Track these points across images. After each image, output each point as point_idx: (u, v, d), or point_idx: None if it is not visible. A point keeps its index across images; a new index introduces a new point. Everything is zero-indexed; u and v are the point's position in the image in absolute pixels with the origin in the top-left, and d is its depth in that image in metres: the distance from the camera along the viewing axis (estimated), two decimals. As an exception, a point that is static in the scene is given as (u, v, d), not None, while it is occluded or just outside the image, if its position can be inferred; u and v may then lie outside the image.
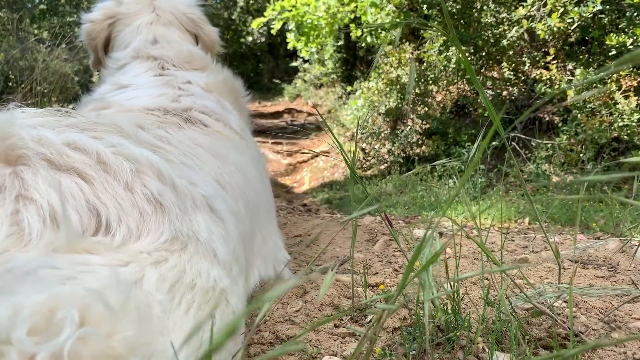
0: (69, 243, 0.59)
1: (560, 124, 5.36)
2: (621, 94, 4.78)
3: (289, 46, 8.85)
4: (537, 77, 5.42)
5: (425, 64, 6.46)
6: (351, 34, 8.07)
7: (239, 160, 1.25)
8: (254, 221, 1.21)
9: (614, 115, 4.74)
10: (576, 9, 4.86)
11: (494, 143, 5.38)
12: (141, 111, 1.25)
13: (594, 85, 4.91)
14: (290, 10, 8.14)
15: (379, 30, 7.23)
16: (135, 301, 0.54)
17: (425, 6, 6.20)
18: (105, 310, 0.49)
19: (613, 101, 4.80)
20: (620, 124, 4.68)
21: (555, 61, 5.37)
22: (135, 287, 0.58)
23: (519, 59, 5.84)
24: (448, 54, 6.16)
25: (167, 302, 0.60)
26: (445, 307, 0.96)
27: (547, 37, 5.28)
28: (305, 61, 12.18)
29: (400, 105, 6.55)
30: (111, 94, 1.52)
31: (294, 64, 13.06)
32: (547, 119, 5.69)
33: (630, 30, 4.56)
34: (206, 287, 0.67)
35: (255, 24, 8.54)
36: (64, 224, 0.61)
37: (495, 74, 6.18)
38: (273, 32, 8.39)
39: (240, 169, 1.20)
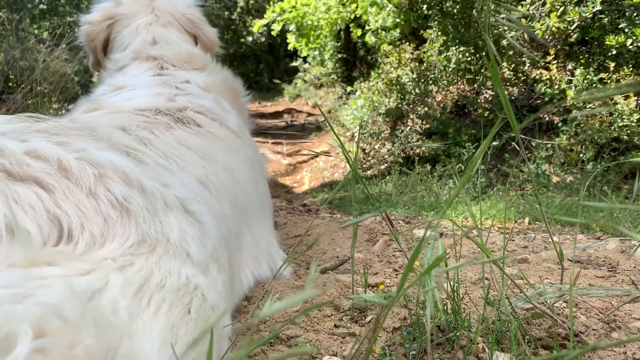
0: (27, 257, 0.57)
1: (560, 124, 5.37)
2: (621, 94, 4.78)
3: (290, 47, 8.86)
4: (537, 77, 5.42)
5: (425, 64, 6.46)
6: (352, 34, 8.08)
7: (229, 161, 1.23)
8: (243, 221, 1.20)
9: (614, 116, 4.75)
10: (576, 8, 4.86)
11: (494, 143, 5.39)
12: (131, 112, 1.23)
13: (594, 86, 4.90)
14: (290, 12, 8.15)
15: (379, 30, 7.23)
16: (93, 310, 0.53)
17: (425, 6, 6.20)
18: (63, 322, 0.49)
19: (613, 101, 4.80)
20: (620, 124, 4.68)
21: (555, 61, 5.38)
22: (96, 296, 0.57)
23: (519, 59, 5.85)
24: (448, 54, 6.16)
25: (135, 306, 0.60)
26: (445, 307, 0.96)
27: (546, 37, 5.28)
28: (305, 61, 12.19)
29: (400, 106, 6.55)
30: (108, 95, 1.52)
31: (294, 64, 13.07)
32: (547, 119, 5.69)
33: (630, 30, 4.57)
34: (177, 286, 0.66)
35: (256, 27, 8.57)
36: (20, 237, 0.59)
37: (495, 74, 6.18)
38: (273, 33, 8.41)
39: (229, 169, 1.18)
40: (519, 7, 5.32)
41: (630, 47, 4.61)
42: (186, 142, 1.13)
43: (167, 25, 1.84)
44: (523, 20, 5.29)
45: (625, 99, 4.71)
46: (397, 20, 6.99)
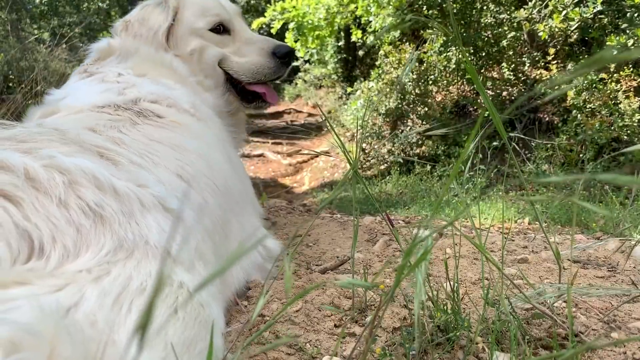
0: None
1: (560, 124, 5.37)
2: (622, 93, 4.78)
3: (287, 45, 8.85)
4: (537, 77, 5.42)
5: (425, 65, 6.46)
6: (352, 35, 8.07)
7: (199, 147, 1.21)
8: (227, 207, 1.18)
9: (614, 116, 4.74)
10: (577, 9, 4.86)
11: (494, 143, 5.39)
12: (92, 110, 1.21)
13: (594, 86, 4.90)
14: (291, 11, 8.15)
15: (379, 30, 7.22)
16: (68, 326, 0.52)
17: (425, 7, 6.20)
18: (36, 339, 0.47)
19: (613, 102, 4.79)
20: (620, 124, 4.68)
21: (555, 61, 5.38)
22: (71, 311, 0.55)
23: (518, 60, 5.84)
24: (448, 54, 6.16)
25: (115, 315, 0.58)
26: (445, 307, 0.96)
27: (547, 37, 5.28)
28: (305, 61, 12.19)
29: (400, 106, 6.55)
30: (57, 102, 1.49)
31: (294, 64, 13.07)
32: (547, 119, 5.69)
33: (631, 31, 4.56)
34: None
35: (256, 24, 8.54)
36: None
37: (495, 75, 6.18)
38: (273, 31, 8.39)
39: (202, 155, 1.16)
40: (521, 10, 5.32)
41: (631, 47, 4.61)
42: (154, 137, 1.10)
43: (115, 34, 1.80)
44: (526, 24, 5.28)
45: (625, 99, 4.70)
46: (398, 19, 6.98)
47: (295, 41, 8.52)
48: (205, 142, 1.29)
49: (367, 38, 7.56)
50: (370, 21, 7.12)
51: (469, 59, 6.06)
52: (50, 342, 0.49)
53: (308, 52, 9.29)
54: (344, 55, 10.88)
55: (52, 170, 0.69)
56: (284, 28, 8.52)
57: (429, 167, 5.78)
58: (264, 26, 8.93)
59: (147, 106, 1.29)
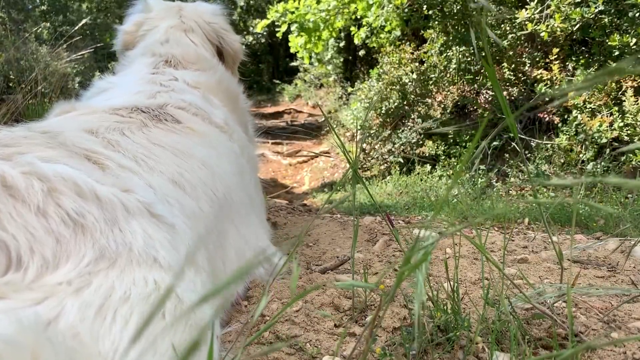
0: None
1: (560, 124, 5.36)
2: (622, 94, 4.77)
3: (291, 50, 8.84)
4: (538, 77, 5.41)
5: (425, 65, 6.45)
6: (354, 37, 8.06)
7: (208, 155, 1.19)
8: (225, 217, 1.17)
9: (615, 116, 4.74)
10: (578, 9, 4.86)
11: (494, 143, 5.38)
12: (105, 112, 1.19)
13: (594, 86, 4.90)
14: (293, 12, 8.15)
15: (379, 30, 7.23)
16: (50, 338, 0.51)
17: (425, 7, 6.20)
18: (17, 349, 0.46)
19: (613, 102, 4.79)
20: (621, 123, 4.67)
21: (556, 61, 5.37)
22: (52, 325, 0.54)
23: (519, 60, 5.84)
24: (448, 54, 6.16)
25: (97, 326, 0.56)
26: (445, 307, 0.96)
27: (548, 38, 5.28)
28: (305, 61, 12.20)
29: (400, 106, 6.55)
30: (94, 97, 1.50)
31: (293, 64, 13.07)
32: (547, 119, 5.69)
33: (634, 31, 4.56)
34: (144, 293, 0.63)
35: (260, 26, 8.55)
36: None
37: (495, 74, 6.17)
38: (279, 35, 8.40)
39: (207, 164, 1.15)
40: (523, 10, 5.31)
41: (634, 47, 4.59)
42: (160, 141, 1.08)
43: (189, 31, 1.87)
44: (529, 24, 5.27)
45: (634, 97, 4.67)
46: (397, 20, 6.98)
47: (298, 39, 8.51)
48: (216, 151, 1.27)
49: (371, 40, 7.54)
50: (368, 19, 7.11)
51: (469, 59, 6.07)
52: (32, 351, 0.47)
53: (310, 58, 9.29)
54: (344, 55, 10.88)
55: (31, 177, 0.67)
56: (287, 31, 8.53)
57: (429, 167, 5.78)
58: (265, 28, 8.93)
59: (170, 111, 1.27)
